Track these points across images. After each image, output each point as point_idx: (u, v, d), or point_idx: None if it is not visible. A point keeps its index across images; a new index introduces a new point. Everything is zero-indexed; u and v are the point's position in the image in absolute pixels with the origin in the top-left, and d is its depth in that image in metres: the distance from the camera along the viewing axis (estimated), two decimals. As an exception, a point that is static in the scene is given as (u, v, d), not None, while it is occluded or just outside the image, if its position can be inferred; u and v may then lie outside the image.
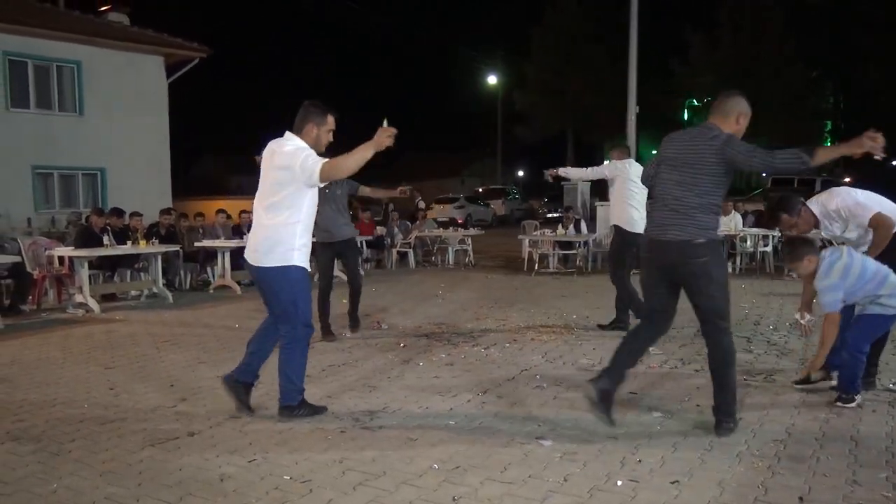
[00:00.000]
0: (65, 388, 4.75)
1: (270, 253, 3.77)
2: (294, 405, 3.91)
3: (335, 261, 6.50)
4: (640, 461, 3.21)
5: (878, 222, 4.04)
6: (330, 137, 3.93)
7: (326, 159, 3.70)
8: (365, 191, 6.49)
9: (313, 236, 6.00)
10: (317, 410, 3.99)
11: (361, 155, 3.62)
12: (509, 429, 3.72)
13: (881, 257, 4.01)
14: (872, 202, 4.14)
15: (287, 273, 3.77)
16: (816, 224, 4.23)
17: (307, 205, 3.82)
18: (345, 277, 6.92)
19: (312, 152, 3.75)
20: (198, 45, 17.66)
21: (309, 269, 3.92)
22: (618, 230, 6.40)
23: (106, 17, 17.93)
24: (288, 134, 3.87)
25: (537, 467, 3.16)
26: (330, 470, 3.20)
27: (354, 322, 6.48)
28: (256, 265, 3.84)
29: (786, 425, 3.65)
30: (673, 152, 3.59)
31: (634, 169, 6.27)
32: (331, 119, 3.88)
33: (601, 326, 6.48)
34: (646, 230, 3.76)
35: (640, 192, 6.02)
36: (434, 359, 5.44)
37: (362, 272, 9.03)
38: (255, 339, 4.09)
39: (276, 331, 3.98)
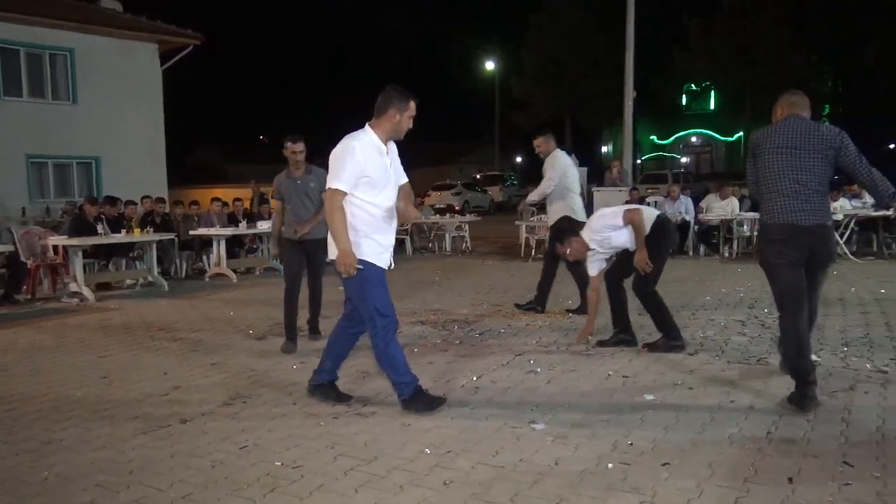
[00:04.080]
0: (58, 377, 4.75)
1: None
2: (407, 397, 3.78)
3: (304, 260, 5.55)
4: (631, 444, 3.20)
5: (629, 218, 4.86)
6: (410, 123, 3.77)
7: (341, 189, 3.58)
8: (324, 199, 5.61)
9: (284, 233, 5.53)
10: (433, 403, 3.79)
11: (336, 232, 3.60)
12: (502, 413, 3.72)
13: (648, 245, 4.79)
14: (618, 207, 5.12)
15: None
16: (587, 246, 5.10)
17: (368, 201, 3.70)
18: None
19: (348, 157, 3.58)
20: (191, 31, 17.54)
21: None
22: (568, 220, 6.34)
23: (99, 4, 17.78)
24: (367, 127, 3.72)
25: (529, 451, 3.16)
26: (322, 455, 3.19)
27: (313, 329, 5.76)
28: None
29: (778, 407, 3.65)
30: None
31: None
32: (413, 105, 3.74)
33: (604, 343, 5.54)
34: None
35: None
36: (429, 345, 5.44)
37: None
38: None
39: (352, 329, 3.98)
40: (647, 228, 4.85)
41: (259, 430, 3.56)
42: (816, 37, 32.68)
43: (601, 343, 5.17)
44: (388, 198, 3.74)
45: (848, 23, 32.47)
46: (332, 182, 3.61)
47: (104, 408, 4.02)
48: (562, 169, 6.44)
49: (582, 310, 6.37)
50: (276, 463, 3.12)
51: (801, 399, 3.57)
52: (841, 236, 10.22)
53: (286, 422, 3.68)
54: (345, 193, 3.60)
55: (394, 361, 3.76)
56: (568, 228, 5.90)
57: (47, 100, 15.90)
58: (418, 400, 3.77)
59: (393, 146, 3.80)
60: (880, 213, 9.96)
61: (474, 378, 4.43)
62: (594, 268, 5.18)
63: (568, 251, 5.21)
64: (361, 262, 3.62)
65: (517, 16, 41.96)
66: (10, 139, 14.98)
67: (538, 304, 6.66)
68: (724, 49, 32.59)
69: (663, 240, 4.94)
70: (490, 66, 38.98)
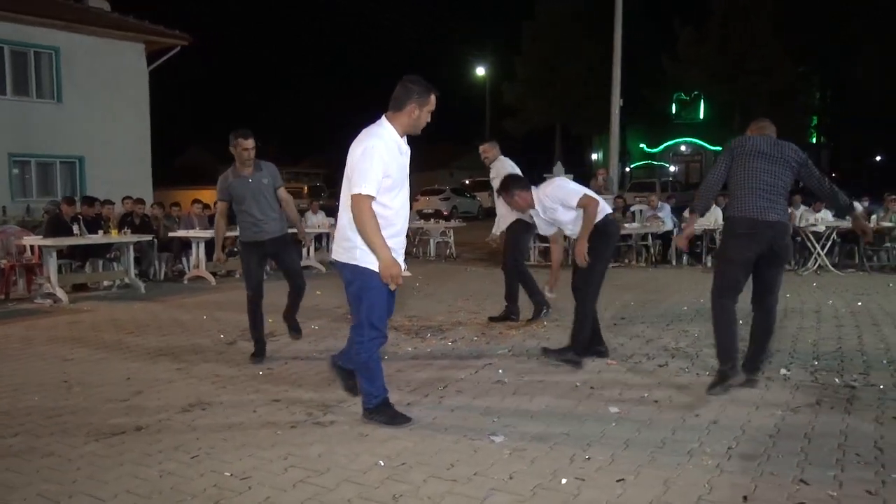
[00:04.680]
0: (18, 380, 4.66)
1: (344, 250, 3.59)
2: (371, 408, 3.70)
3: (266, 263, 5.33)
4: (588, 458, 3.15)
5: (584, 202, 4.74)
6: (429, 118, 3.55)
7: (370, 194, 3.34)
8: (282, 197, 5.29)
9: (240, 235, 5.24)
10: (396, 418, 3.67)
11: (374, 244, 3.39)
12: (463, 424, 3.66)
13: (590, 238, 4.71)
14: (580, 188, 4.91)
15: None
16: (532, 205, 4.97)
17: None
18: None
19: (374, 159, 3.35)
20: (179, 32, 17.45)
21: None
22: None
23: (86, 3, 17.67)
24: (383, 121, 3.50)
25: (484, 464, 3.10)
26: (272, 466, 3.13)
27: (294, 327, 5.59)
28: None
29: (741, 422, 3.60)
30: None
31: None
32: (433, 99, 3.50)
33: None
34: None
35: None
36: (399, 352, 5.38)
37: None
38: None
39: None
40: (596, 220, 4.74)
41: (214, 439, 3.48)
42: (815, 39, 32.66)
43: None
44: (404, 198, 3.58)
45: (847, 24, 32.53)
46: (361, 187, 3.33)
47: (59, 413, 3.94)
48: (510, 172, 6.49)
49: (536, 316, 6.56)
50: (226, 473, 3.05)
51: (723, 378, 4.07)
52: (823, 248, 10.23)
53: (242, 430, 3.61)
54: (373, 198, 3.37)
55: (371, 374, 3.66)
56: (521, 229, 6.02)
57: (32, 98, 15.79)
58: (382, 412, 3.68)
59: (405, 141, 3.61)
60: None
61: (440, 388, 4.37)
62: (545, 229, 5.09)
63: (512, 200, 5.01)
64: (366, 270, 3.47)
65: (511, 22, 41.98)
66: (-7, 137, 14.86)
67: (511, 313, 6.63)
68: (715, 59, 32.76)
69: (605, 238, 4.78)
70: (481, 71, 39.00)
